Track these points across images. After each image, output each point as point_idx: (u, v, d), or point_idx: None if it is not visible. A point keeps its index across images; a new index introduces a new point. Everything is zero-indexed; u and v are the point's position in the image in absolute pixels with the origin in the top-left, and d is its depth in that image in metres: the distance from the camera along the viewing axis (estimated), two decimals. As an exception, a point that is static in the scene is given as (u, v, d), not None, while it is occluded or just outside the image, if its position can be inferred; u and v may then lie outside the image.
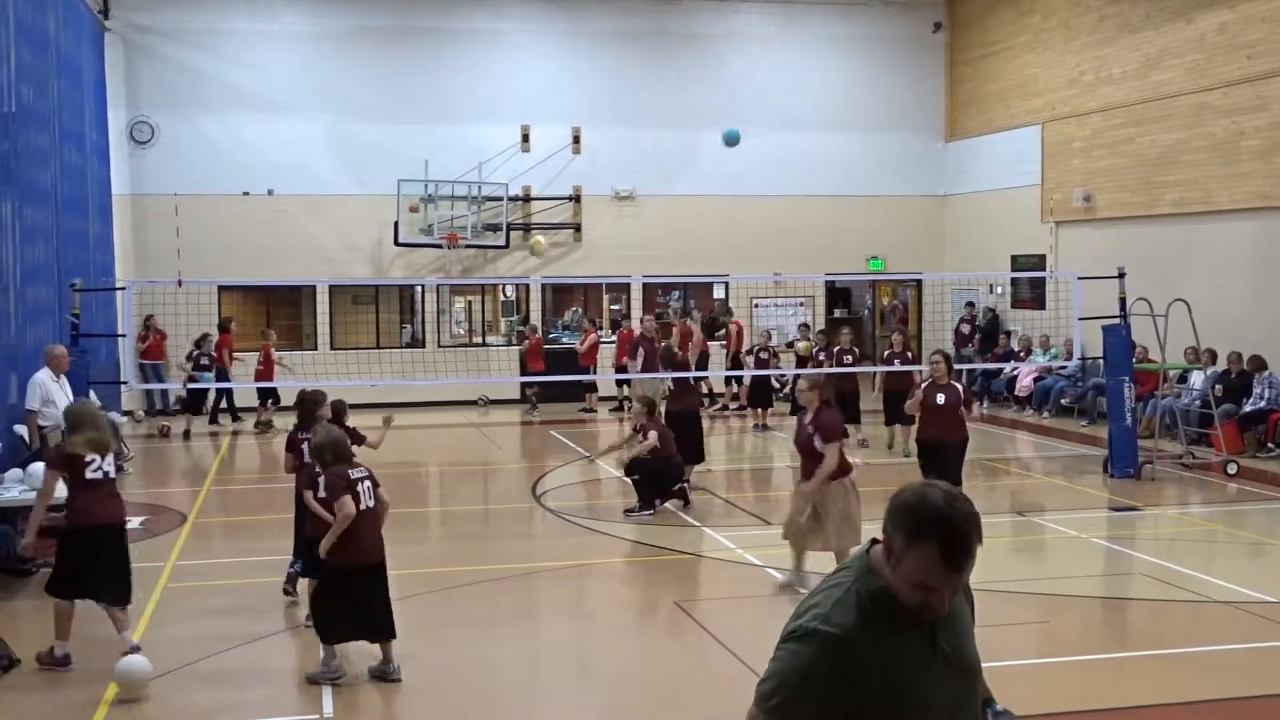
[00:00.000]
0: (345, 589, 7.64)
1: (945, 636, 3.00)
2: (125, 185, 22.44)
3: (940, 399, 11.99)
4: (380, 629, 7.79)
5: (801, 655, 2.92)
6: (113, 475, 8.27)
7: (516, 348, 23.78)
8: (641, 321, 19.31)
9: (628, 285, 24.53)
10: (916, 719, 2.96)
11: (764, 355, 21.10)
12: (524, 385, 23.27)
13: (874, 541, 3.02)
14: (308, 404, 9.57)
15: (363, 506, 7.68)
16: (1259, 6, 17.97)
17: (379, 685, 7.82)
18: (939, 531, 2.79)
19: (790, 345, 21.50)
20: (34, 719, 7.34)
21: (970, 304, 24.69)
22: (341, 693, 7.65)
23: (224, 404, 21.48)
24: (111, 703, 7.46)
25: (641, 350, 16.94)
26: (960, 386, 12.18)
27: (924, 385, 12.20)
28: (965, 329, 24.30)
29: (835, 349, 18.65)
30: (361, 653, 8.06)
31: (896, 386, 16.97)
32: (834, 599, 2.95)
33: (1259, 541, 12.62)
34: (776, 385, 21.54)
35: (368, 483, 7.81)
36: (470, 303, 26.43)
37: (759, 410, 20.66)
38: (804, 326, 22.06)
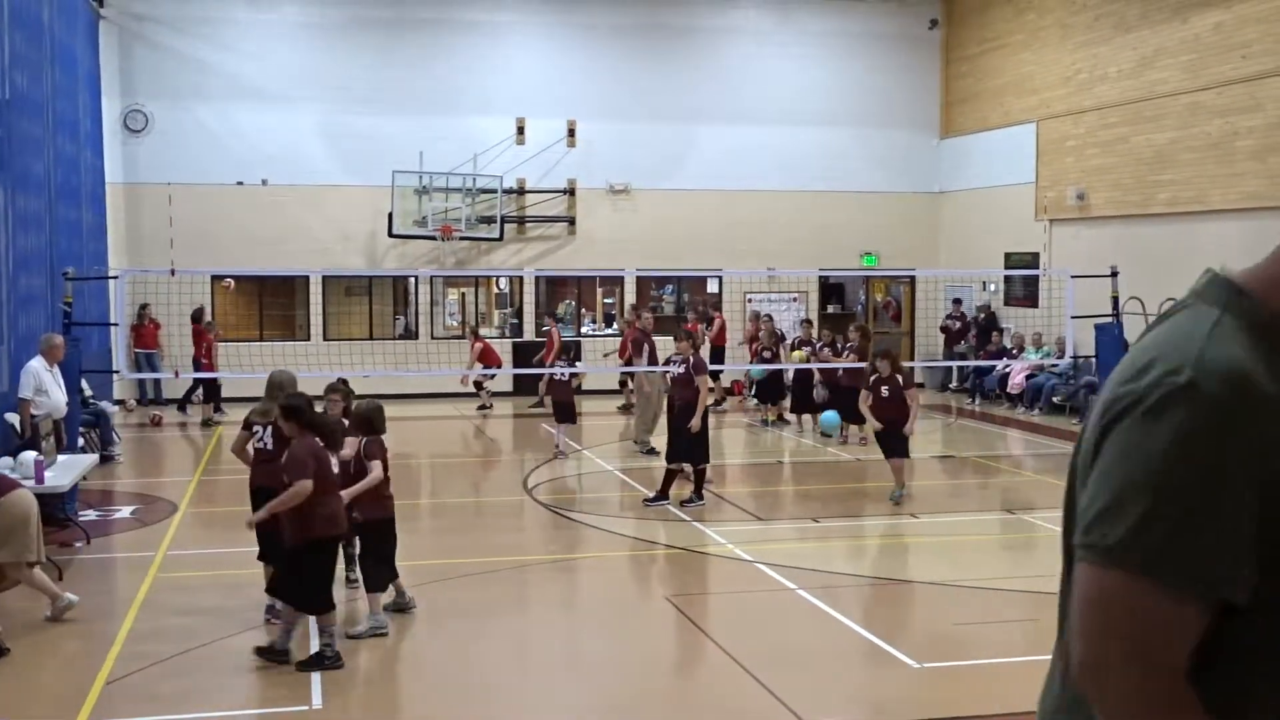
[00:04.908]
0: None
1: None
2: (119, 174, 22.38)
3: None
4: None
5: (1176, 429, 1.57)
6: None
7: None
8: (640, 315, 19.17)
9: (621, 279, 24.51)
10: None
11: (767, 355, 20.63)
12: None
13: (1210, 272, 1.90)
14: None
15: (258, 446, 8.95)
16: (1254, 7, 18.00)
17: (367, 678, 7.82)
18: None
19: (794, 347, 20.78)
20: (22, 709, 7.33)
21: (958, 300, 24.69)
22: (330, 683, 7.66)
23: (196, 396, 20.88)
24: (99, 693, 7.46)
25: (645, 345, 16.87)
26: (358, 444, 8.04)
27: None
28: (954, 325, 24.30)
29: (842, 346, 18.15)
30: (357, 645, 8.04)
31: (848, 383, 16.50)
32: (1193, 335, 1.69)
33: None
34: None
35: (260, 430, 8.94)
36: (464, 295, 26.41)
37: (769, 405, 20.32)
38: (807, 327, 21.16)
